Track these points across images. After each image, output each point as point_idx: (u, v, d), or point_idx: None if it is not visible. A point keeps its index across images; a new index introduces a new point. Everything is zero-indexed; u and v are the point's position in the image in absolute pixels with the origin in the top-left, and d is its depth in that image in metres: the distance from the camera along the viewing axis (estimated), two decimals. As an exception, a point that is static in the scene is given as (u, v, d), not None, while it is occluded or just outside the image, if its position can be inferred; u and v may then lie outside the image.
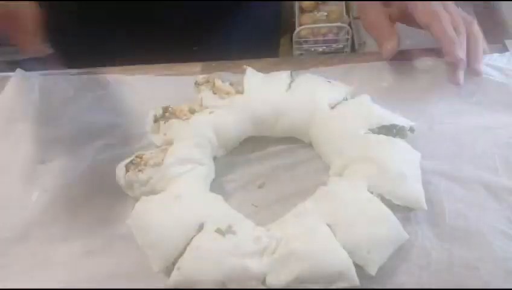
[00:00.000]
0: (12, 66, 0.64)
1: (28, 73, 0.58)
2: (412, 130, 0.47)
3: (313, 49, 1.00)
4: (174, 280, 0.40)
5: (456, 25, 0.50)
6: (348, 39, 0.95)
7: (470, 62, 0.50)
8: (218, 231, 0.40)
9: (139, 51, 0.59)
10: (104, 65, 0.61)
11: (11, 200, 0.50)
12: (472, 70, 0.51)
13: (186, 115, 0.49)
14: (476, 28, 0.52)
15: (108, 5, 0.63)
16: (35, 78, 0.58)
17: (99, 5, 0.64)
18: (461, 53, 0.49)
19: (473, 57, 0.50)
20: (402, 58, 0.57)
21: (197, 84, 0.52)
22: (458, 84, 0.49)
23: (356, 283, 0.39)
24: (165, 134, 0.49)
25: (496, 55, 0.57)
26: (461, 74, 0.49)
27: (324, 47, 0.99)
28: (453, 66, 0.49)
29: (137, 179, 0.45)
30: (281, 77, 0.52)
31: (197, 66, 0.60)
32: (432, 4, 0.50)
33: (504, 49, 0.58)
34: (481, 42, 0.52)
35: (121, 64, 0.61)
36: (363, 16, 0.56)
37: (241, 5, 0.72)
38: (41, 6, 0.46)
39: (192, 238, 0.40)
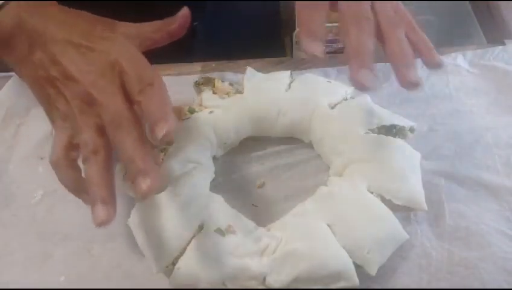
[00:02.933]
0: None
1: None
2: (412, 130, 0.47)
3: (313, 49, 1.00)
4: (174, 280, 0.40)
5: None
6: (348, 39, 0.95)
7: (425, 57, 0.40)
8: (218, 231, 0.40)
9: None
10: None
11: (11, 197, 0.50)
12: (431, 64, 0.40)
13: (186, 115, 0.49)
14: (409, 17, 0.41)
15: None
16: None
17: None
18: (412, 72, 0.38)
19: (425, 51, 0.40)
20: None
21: (197, 84, 0.52)
22: (413, 85, 0.37)
23: (356, 282, 0.39)
24: (164, 134, 0.48)
25: (497, 50, 0.57)
26: (412, 72, 0.38)
27: (324, 47, 0.99)
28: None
29: (137, 179, 0.45)
30: (281, 77, 0.52)
31: (197, 66, 0.60)
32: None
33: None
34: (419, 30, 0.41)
35: None
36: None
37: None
38: None
39: (192, 238, 0.40)
